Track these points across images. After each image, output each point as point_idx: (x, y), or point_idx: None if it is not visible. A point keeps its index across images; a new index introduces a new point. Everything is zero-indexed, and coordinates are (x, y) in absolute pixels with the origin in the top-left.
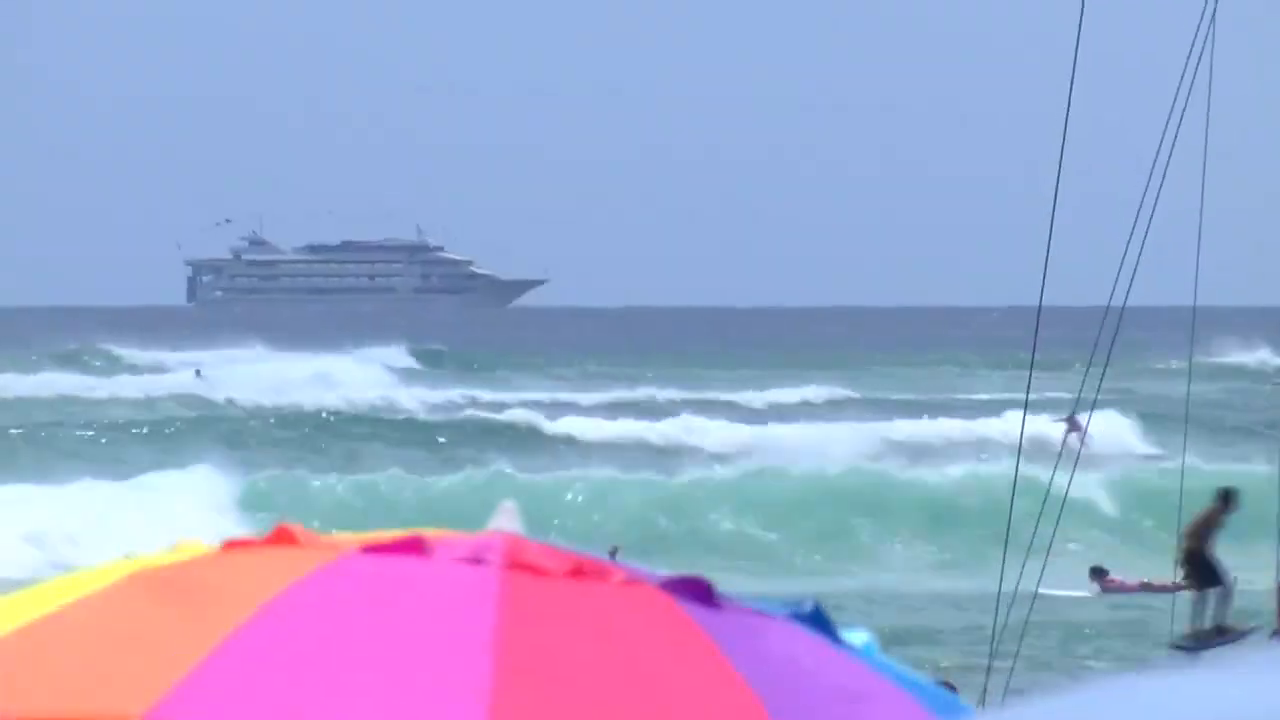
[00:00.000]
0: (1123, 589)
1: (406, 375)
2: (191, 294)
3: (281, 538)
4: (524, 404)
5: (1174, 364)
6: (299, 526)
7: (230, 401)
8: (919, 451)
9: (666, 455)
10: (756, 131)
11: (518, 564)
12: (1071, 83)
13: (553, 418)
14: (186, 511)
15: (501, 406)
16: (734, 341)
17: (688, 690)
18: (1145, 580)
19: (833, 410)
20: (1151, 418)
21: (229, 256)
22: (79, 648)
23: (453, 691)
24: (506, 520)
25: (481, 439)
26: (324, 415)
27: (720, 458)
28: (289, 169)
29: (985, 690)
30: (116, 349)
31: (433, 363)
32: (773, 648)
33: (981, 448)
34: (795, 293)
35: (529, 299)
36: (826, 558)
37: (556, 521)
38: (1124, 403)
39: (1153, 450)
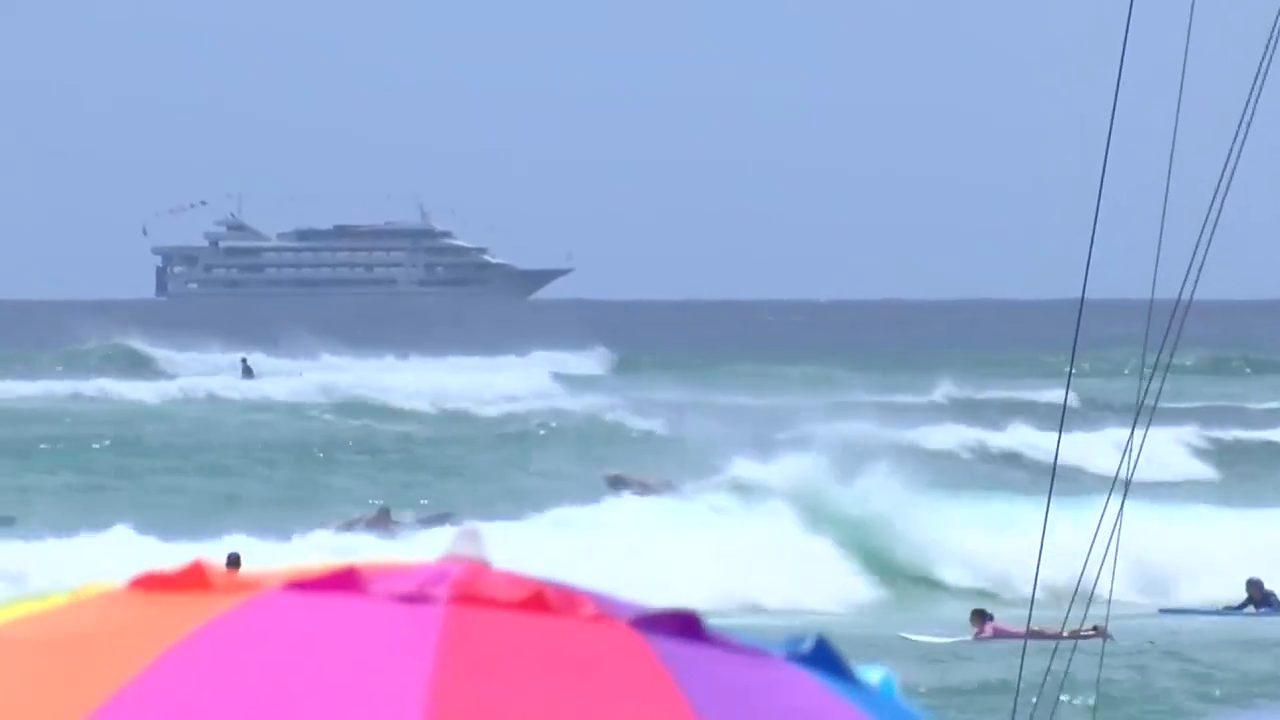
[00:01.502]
0: (1006, 635)
1: (633, 383)
2: (161, 286)
3: (195, 575)
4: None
5: None
6: (212, 564)
7: (454, 411)
8: None
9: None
10: (780, 125)
11: (468, 598)
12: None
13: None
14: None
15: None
16: (882, 340)
17: None
18: (1033, 627)
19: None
20: None
21: (204, 244)
22: None
23: None
24: (467, 545)
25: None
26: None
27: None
28: (272, 144)
29: None
30: (147, 348)
31: (634, 366)
32: (754, 698)
33: None
34: (813, 286)
35: (549, 291)
36: None
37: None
38: None
39: None
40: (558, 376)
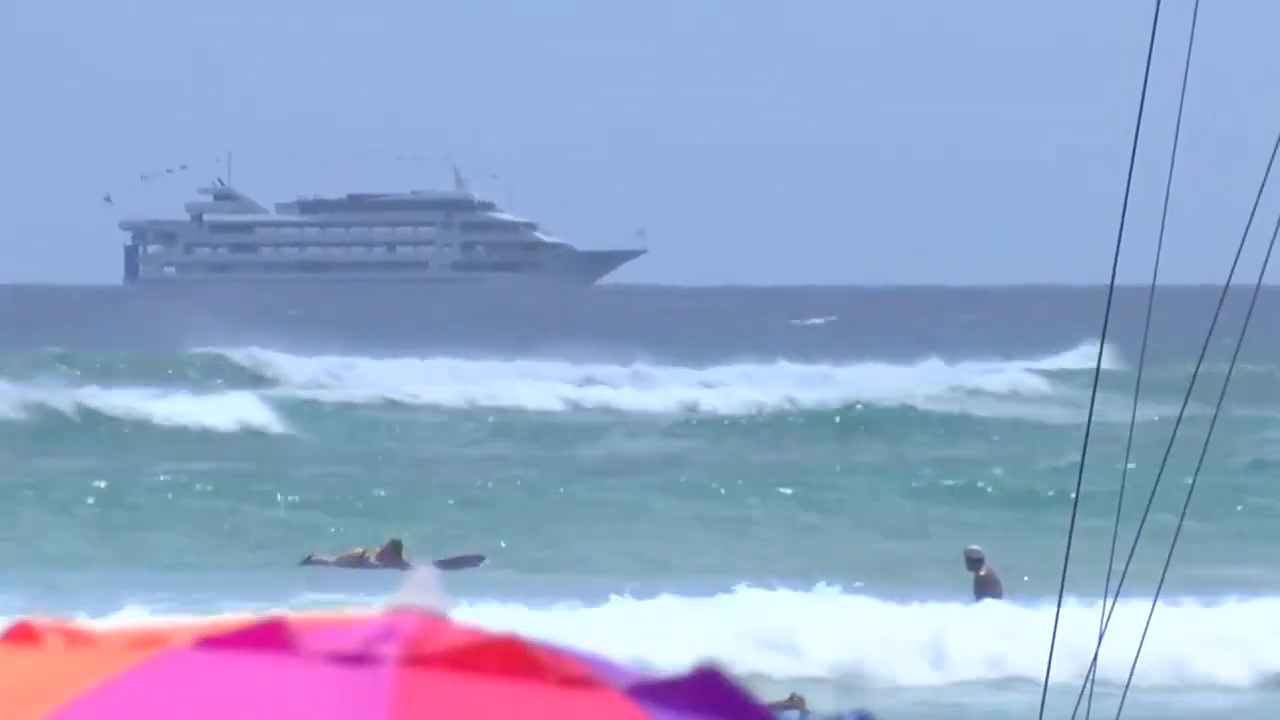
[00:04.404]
0: None
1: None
2: (131, 270)
3: (66, 629)
4: None
5: None
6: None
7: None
8: None
9: None
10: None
11: (422, 660)
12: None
13: None
14: None
15: None
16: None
17: None
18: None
19: None
20: None
21: (185, 217)
22: None
23: None
24: (419, 593)
25: None
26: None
27: None
28: (267, 92)
29: None
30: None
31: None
32: None
33: None
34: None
35: (616, 277)
36: None
37: None
38: None
39: None
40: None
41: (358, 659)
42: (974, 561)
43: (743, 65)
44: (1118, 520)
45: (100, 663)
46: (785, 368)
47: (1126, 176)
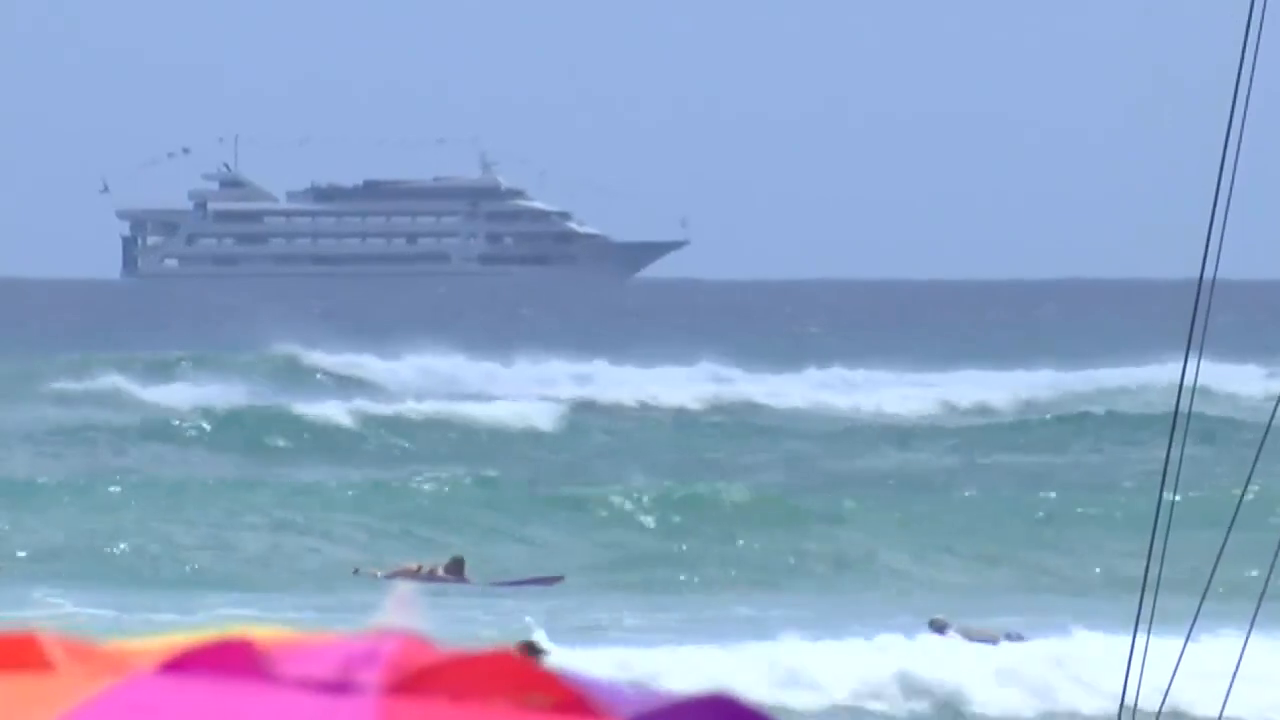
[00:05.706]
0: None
1: None
2: (129, 263)
3: (28, 651)
4: None
5: None
6: (58, 636)
7: None
8: None
9: None
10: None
11: (406, 686)
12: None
13: None
14: None
15: None
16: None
17: None
18: None
19: None
20: None
21: (187, 206)
22: None
23: None
24: (399, 613)
25: None
26: None
27: None
28: (277, 71)
29: None
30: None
31: None
32: None
33: None
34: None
35: (655, 269)
36: None
37: None
38: None
39: None
40: None
41: (337, 686)
42: (940, 628)
43: (762, 51)
44: (1165, 544)
45: (61, 692)
46: (981, 370)
47: (1203, 171)
